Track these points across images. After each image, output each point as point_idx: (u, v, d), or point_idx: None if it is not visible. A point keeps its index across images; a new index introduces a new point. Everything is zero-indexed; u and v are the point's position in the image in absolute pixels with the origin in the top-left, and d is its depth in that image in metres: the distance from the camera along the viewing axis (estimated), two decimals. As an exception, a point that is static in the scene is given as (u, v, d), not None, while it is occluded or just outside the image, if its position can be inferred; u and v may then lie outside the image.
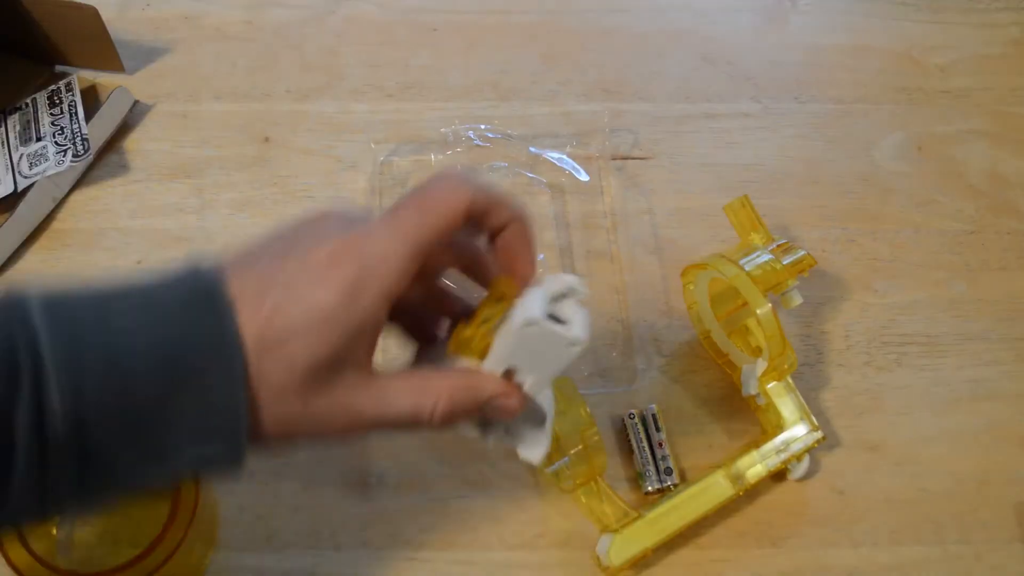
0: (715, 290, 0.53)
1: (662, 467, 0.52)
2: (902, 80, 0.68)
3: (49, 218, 0.59)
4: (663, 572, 0.50)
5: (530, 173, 0.61)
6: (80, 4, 0.60)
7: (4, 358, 0.29)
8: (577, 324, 0.36)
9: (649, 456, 0.52)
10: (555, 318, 0.36)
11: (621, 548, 0.48)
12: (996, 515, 0.52)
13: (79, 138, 0.59)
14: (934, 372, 0.56)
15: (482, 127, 0.62)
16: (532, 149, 0.62)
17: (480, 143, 0.62)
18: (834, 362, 0.56)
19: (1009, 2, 0.72)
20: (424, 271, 0.36)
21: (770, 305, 0.48)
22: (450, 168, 0.34)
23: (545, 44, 0.68)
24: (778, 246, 0.52)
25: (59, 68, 0.65)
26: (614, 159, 0.62)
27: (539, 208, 0.60)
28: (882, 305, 0.59)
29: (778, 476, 0.52)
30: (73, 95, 0.61)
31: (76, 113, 0.60)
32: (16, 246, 0.57)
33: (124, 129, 0.63)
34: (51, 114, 0.61)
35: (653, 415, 0.53)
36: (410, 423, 0.35)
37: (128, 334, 0.31)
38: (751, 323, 0.53)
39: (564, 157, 0.62)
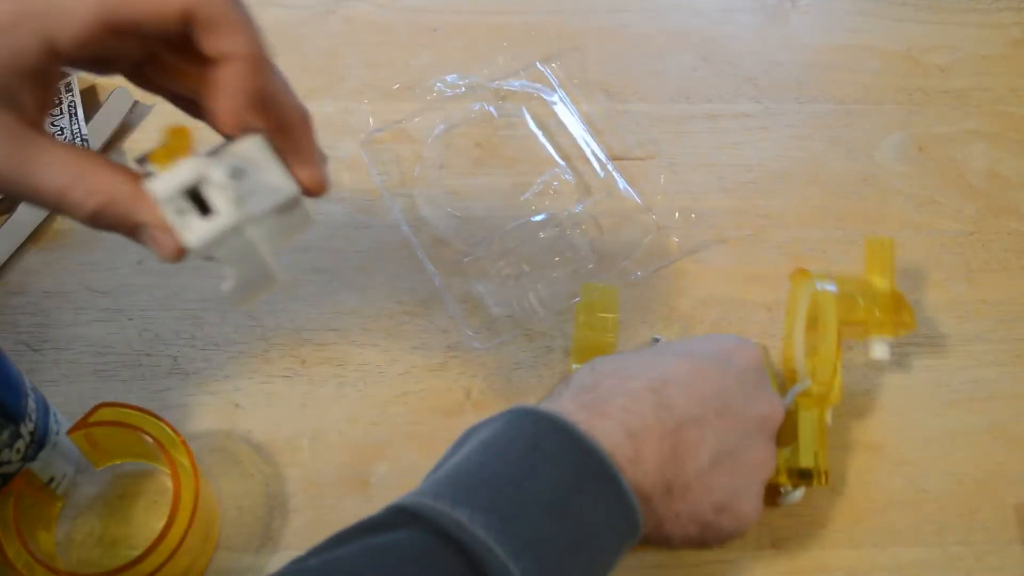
0: (813, 310, 0.53)
1: None
2: (902, 80, 0.68)
3: (49, 218, 0.59)
4: (662, 573, 0.50)
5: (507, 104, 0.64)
6: (80, 4, 0.60)
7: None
8: (205, 226, 0.32)
9: None
10: (200, 199, 0.32)
11: None
12: (996, 516, 0.52)
13: (79, 139, 0.59)
14: (934, 373, 0.56)
15: (460, 81, 0.65)
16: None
17: (451, 93, 0.65)
18: (834, 363, 0.56)
19: (1009, 2, 0.72)
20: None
21: (837, 331, 0.49)
22: None
23: (545, 44, 0.67)
24: (895, 294, 0.52)
25: (59, 68, 0.65)
26: (615, 159, 0.62)
27: (545, 221, 0.60)
28: (882, 305, 0.59)
29: (772, 491, 0.51)
30: (73, 96, 0.61)
31: (76, 114, 0.60)
32: (16, 246, 0.57)
33: (124, 129, 0.63)
34: (51, 115, 0.61)
35: None
36: (54, 205, 0.32)
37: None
38: (820, 346, 0.52)
39: (527, 82, 0.65)
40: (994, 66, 0.69)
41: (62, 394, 0.52)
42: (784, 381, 0.55)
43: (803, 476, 0.49)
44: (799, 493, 0.50)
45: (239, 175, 0.32)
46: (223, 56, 0.32)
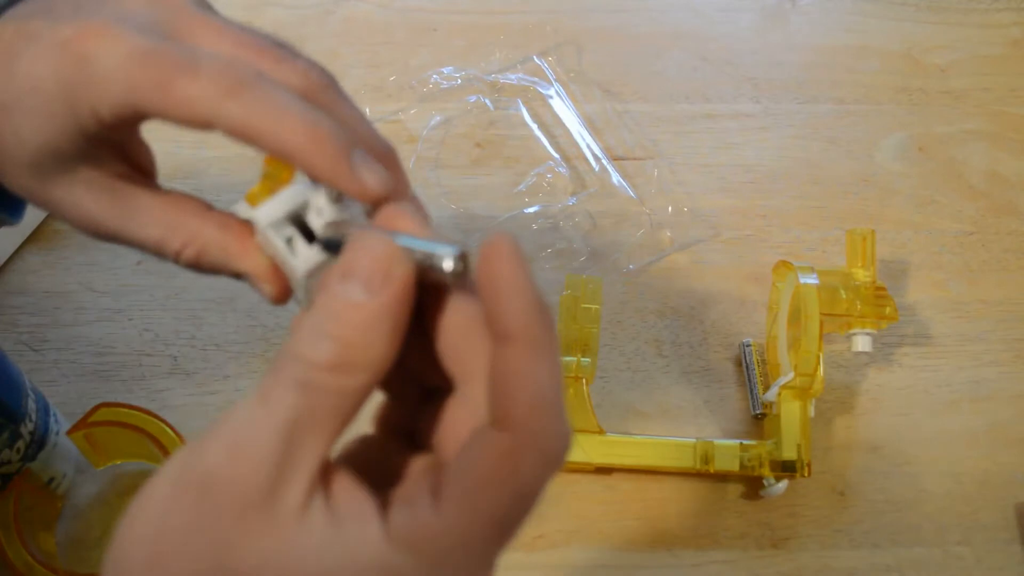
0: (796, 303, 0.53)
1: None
2: (902, 80, 0.68)
3: (49, 218, 0.59)
4: (664, 573, 0.50)
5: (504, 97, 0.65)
6: (80, 4, 0.60)
7: None
8: (309, 253, 0.30)
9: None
10: (306, 228, 0.30)
11: None
12: (996, 516, 0.52)
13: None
14: (934, 373, 0.56)
15: (456, 74, 0.65)
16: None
17: (447, 85, 0.65)
18: (835, 363, 0.56)
19: (1009, 2, 0.72)
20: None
21: (818, 323, 0.49)
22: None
23: (545, 44, 0.68)
24: (876, 286, 0.52)
25: (59, 68, 0.65)
26: (614, 159, 0.62)
27: (538, 212, 0.60)
28: (882, 305, 0.59)
29: (755, 484, 0.52)
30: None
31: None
32: (16, 246, 0.57)
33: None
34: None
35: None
36: (155, 253, 0.31)
37: None
38: (802, 338, 0.52)
39: (523, 75, 0.65)
40: (994, 66, 0.69)
41: (62, 394, 0.52)
42: (768, 374, 0.55)
43: (786, 468, 0.50)
44: (782, 485, 0.50)
45: (340, 200, 0.30)
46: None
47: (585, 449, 0.51)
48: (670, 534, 0.51)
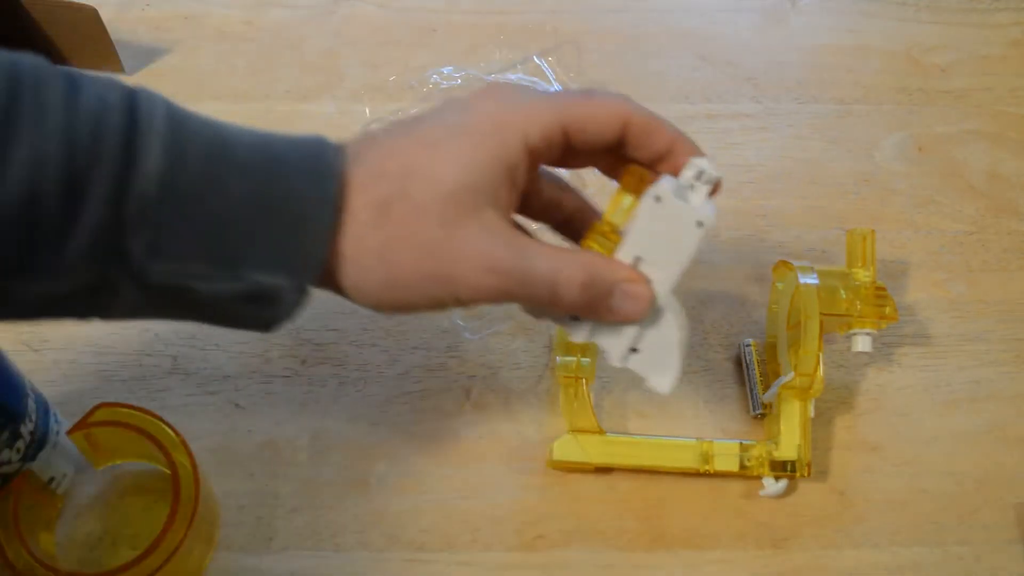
0: (796, 303, 0.54)
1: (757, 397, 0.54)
2: (902, 80, 0.68)
3: (49, 218, 0.59)
4: (664, 574, 0.50)
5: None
6: (80, 4, 0.60)
7: (117, 121, 0.30)
8: (706, 207, 0.36)
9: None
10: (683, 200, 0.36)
11: (567, 448, 0.51)
12: (996, 516, 0.52)
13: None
14: (934, 373, 0.56)
15: (456, 74, 0.64)
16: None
17: (447, 84, 0.65)
18: (834, 363, 0.56)
19: (1009, 2, 0.72)
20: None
21: (818, 323, 0.49)
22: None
23: (545, 44, 0.68)
24: (876, 286, 0.52)
25: (59, 68, 0.65)
26: (614, 159, 0.62)
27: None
28: (882, 305, 0.59)
29: (755, 482, 0.52)
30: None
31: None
32: (16, 246, 0.57)
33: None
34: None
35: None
36: (545, 289, 0.35)
37: (236, 146, 0.34)
38: (802, 338, 0.52)
39: (523, 75, 0.65)
40: (994, 66, 0.69)
41: (62, 394, 0.52)
42: (769, 374, 0.55)
43: (786, 468, 0.50)
44: (782, 485, 0.51)
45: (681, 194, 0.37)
46: (662, 149, 0.37)
47: (585, 449, 0.51)
48: (670, 534, 0.51)
